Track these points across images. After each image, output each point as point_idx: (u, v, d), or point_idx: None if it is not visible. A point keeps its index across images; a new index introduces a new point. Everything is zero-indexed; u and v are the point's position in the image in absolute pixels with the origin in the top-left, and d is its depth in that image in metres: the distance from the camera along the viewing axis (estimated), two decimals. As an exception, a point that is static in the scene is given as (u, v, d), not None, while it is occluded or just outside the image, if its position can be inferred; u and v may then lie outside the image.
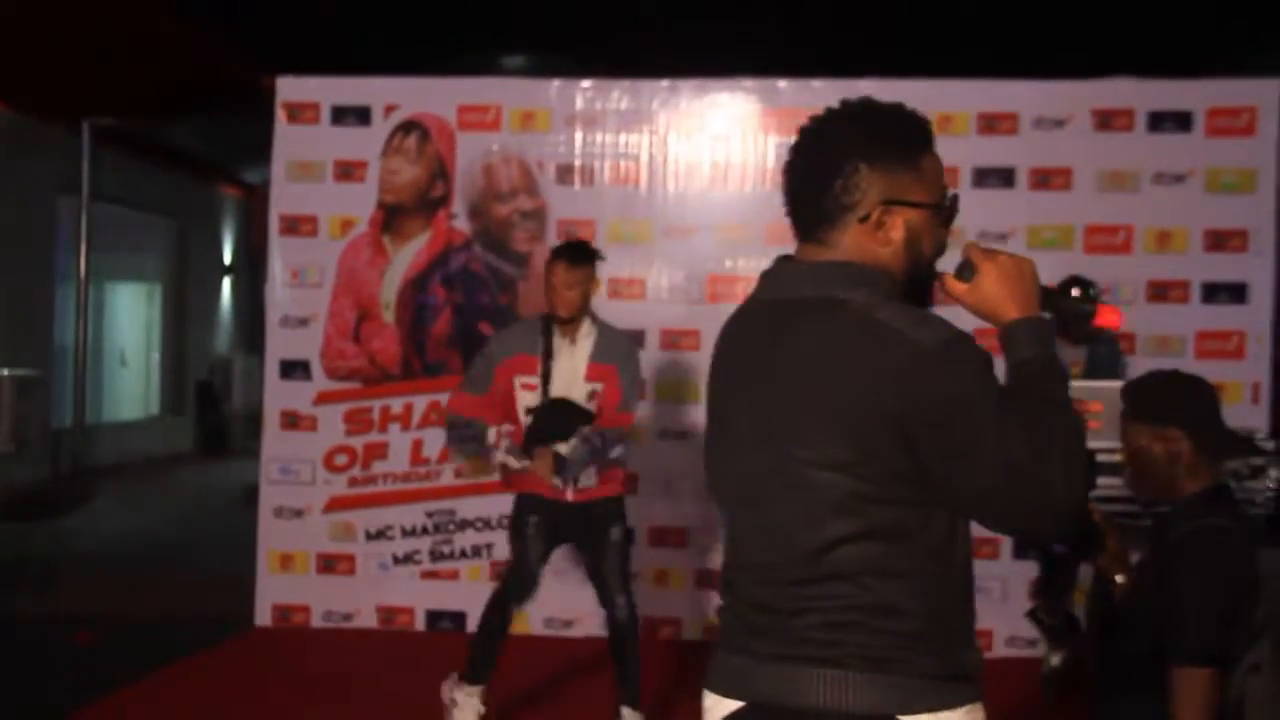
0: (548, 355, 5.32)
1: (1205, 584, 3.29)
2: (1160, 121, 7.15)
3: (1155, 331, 7.09)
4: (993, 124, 7.23)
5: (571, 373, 5.33)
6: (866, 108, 2.23)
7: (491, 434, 5.48)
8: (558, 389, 5.32)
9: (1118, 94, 7.18)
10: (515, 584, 5.44)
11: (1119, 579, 3.41)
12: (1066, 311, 2.08)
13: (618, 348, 5.43)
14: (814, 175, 2.21)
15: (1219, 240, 7.11)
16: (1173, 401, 3.52)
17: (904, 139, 2.21)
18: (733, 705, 2.20)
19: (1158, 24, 8.85)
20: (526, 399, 5.34)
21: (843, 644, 2.08)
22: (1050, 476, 2.03)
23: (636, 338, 7.25)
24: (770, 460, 2.15)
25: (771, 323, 2.21)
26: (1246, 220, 7.10)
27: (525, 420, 5.37)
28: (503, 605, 5.44)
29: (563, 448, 5.32)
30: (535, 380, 5.32)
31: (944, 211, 2.25)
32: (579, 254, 5.34)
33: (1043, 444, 2.05)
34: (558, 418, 5.32)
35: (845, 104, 2.24)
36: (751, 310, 2.29)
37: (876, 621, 2.08)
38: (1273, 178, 7.08)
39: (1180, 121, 7.13)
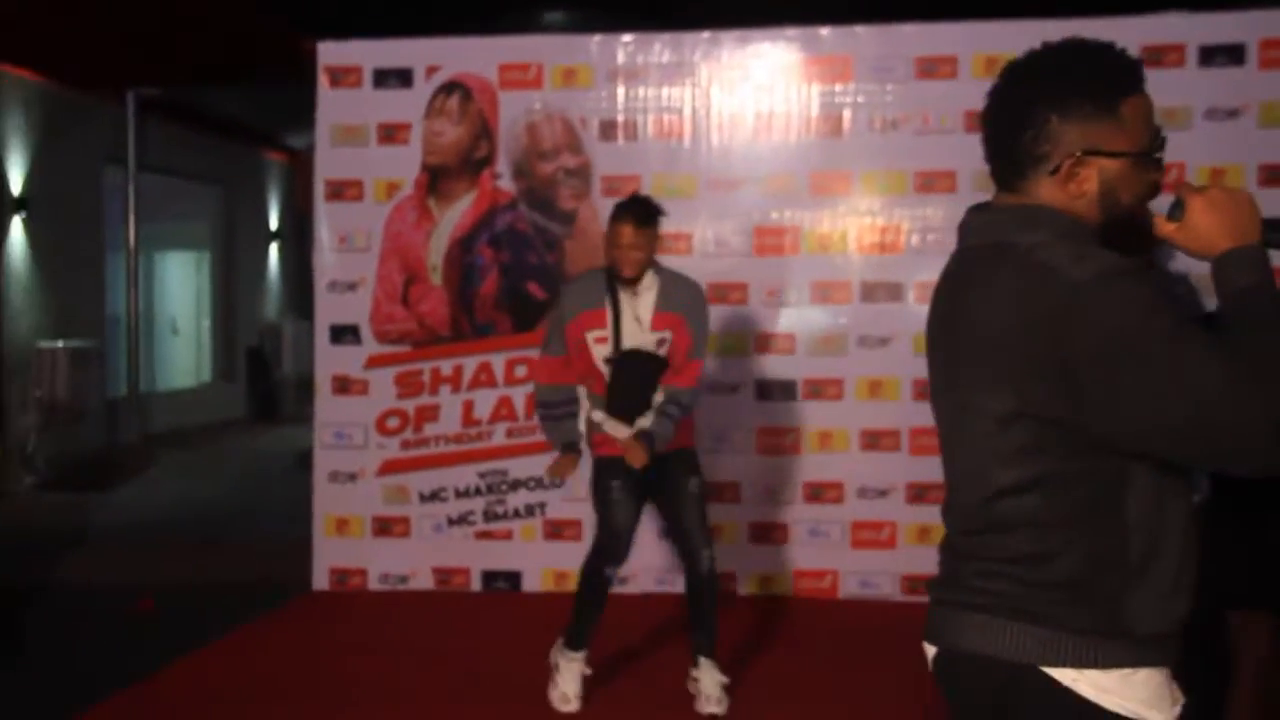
0: (615, 307, 5.28)
1: (1267, 528, 3.26)
2: (1211, 56, 7.01)
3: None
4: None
5: (638, 323, 5.29)
6: (1064, 52, 2.17)
7: (582, 419, 5.44)
8: (627, 341, 5.29)
9: (1169, 29, 7.04)
10: (606, 550, 5.40)
11: None
12: None
13: (684, 294, 5.39)
14: (1006, 126, 2.18)
15: (1275, 175, 6.97)
16: None
17: (1100, 86, 2.13)
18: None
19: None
20: (599, 351, 5.31)
21: (992, 592, 2.09)
22: (1251, 404, 1.89)
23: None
24: (952, 409, 2.19)
25: (956, 271, 2.23)
26: (1302, 154, 6.97)
27: (604, 370, 5.34)
28: (597, 572, 5.41)
29: (644, 421, 5.32)
30: (605, 333, 5.28)
31: (1149, 158, 2.15)
32: (646, 214, 5.27)
33: (1246, 371, 1.91)
34: (634, 374, 5.30)
35: (1044, 48, 2.20)
36: (951, 260, 2.29)
37: (1026, 571, 2.07)
38: (1329, 110, 6.94)
39: (1233, 55, 6.99)
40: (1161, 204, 2.15)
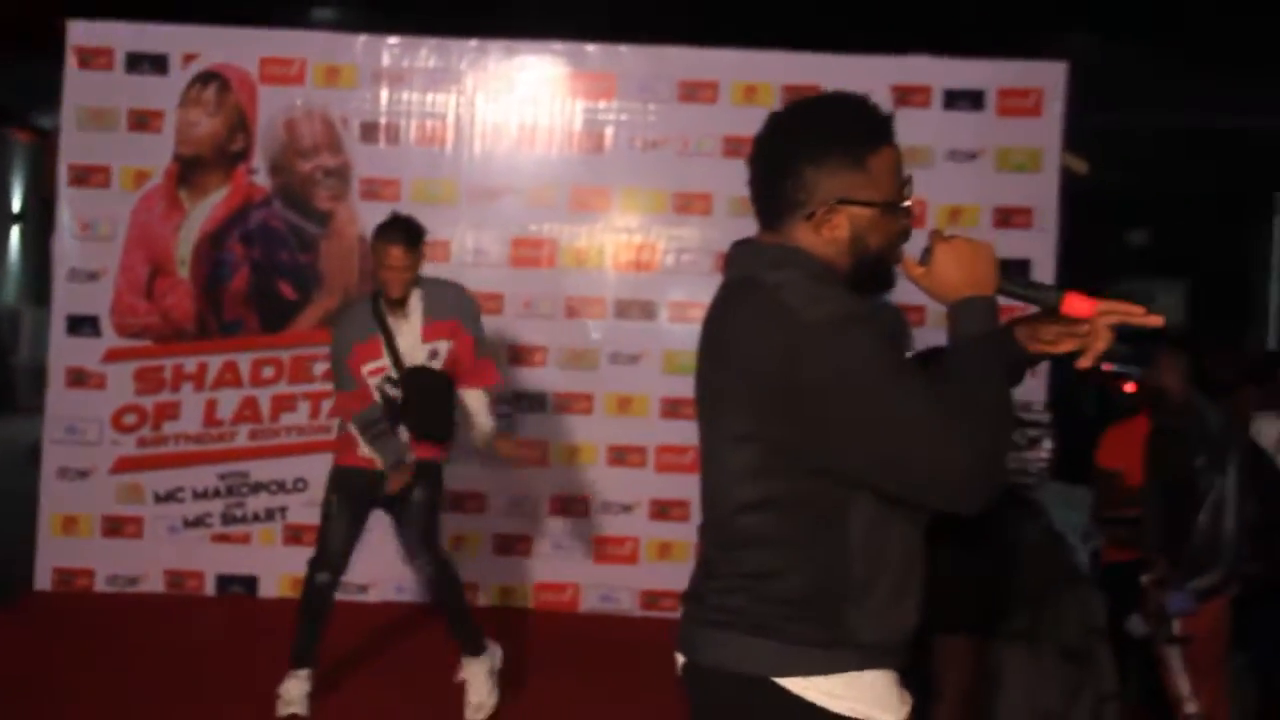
0: (386, 332, 5.26)
1: (961, 555, 3.43)
2: (955, 99, 7.35)
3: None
4: (797, 96, 7.32)
5: (412, 341, 5.29)
6: (818, 107, 2.32)
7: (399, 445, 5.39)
8: (409, 361, 5.28)
9: (916, 71, 7.35)
10: (317, 559, 5.38)
11: None
12: (1028, 297, 2.27)
13: (450, 299, 5.41)
14: (767, 172, 2.30)
15: (1006, 217, 7.35)
16: None
17: (850, 141, 2.26)
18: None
19: (948, 5, 9.12)
20: (374, 382, 5.29)
21: (730, 608, 2.23)
22: (949, 448, 2.07)
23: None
24: (706, 428, 2.33)
25: (717, 300, 2.37)
26: (1032, 198, 7.34)
27: (378, 398, 5.31)
28: (309, 580, 5.37)
29: (483, 424, 5.41)
30: (381, 364, 5.26)
31: (896, 207, 2.28)
32: (414, 235, 5.25)
33: (954, 417, 2.09)
34: (429, 389, 5.29)
35: (800, 102, 2.34)
36: (718, 289, 2.42)
37: (758, 586, 2.20)
38: (1057, 158, 7.35)
39: (973, 100, 7.34)
40: (917, 245, 2.31)
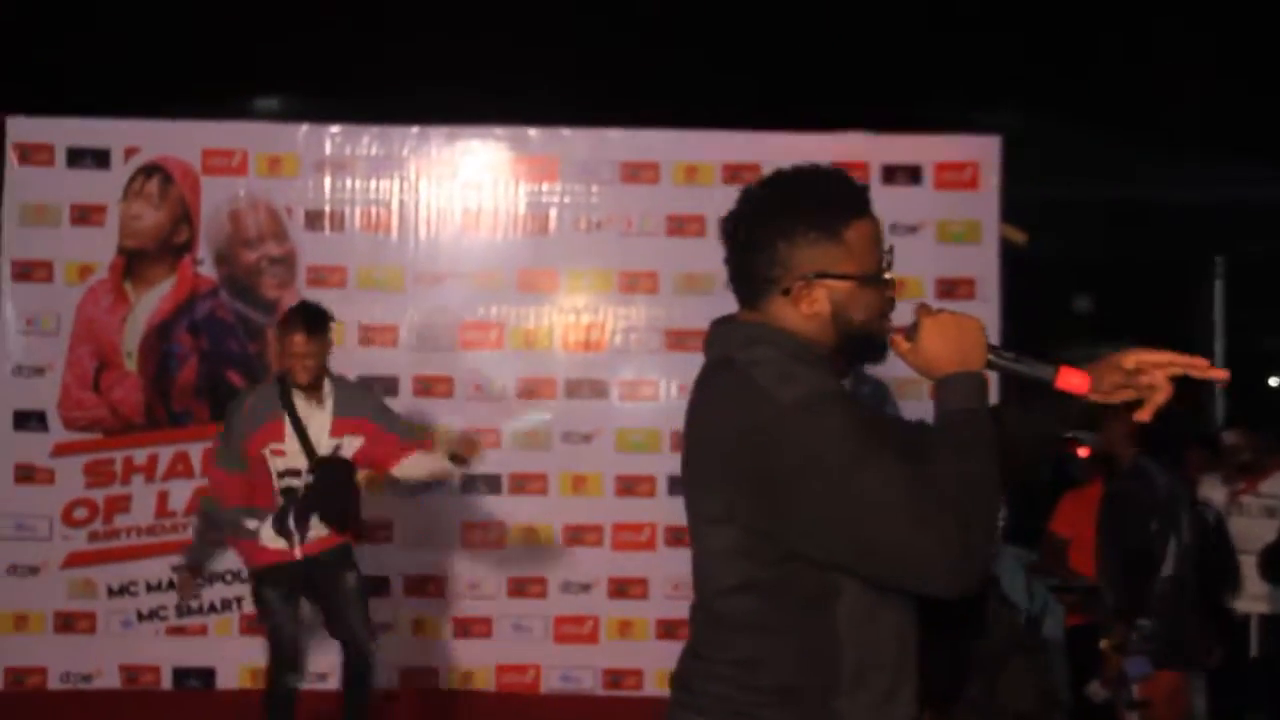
0: (294, 416, 5.27)
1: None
2: (893, 174, 7.48)
3: (897, 375, 7.38)
4: (737, 174, 7.42)
5: (319, 433, 5.31)
6: (791, 181, 2.27)
7: (252, 522, 5.36)
8: (319, 448, 5.30)
9: (852, 148, 7.47)
10: (284, 661, 5.36)
11: None
12: (1018, 371, 2.21)
13: (362, 399, 5.45)
14: (741, 250, 2.28)
15: (949, 288, 7.45)
16: None
17: (825, 214, 2.23)
18: None
19: (884, 82, 9.32)
20: (278, 464, 5.28)
21: (712, 694, 2.20)
22: (927, 531, 2.02)
23: (389, 384, 7.24)
24: (690, 512, 2.31)
25: (697, 381, 2.35)
26: (974, 269, 7.46)
27: (279, 484, 5.30)
28: (279, 684, 5.36)
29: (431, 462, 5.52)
30: (283, 446, 5.26)
31: (875, 279, 2.24)
32: (316, 322, 5.32)
33: (929, 498, 2.04)
34: (335, 479, 5.30)
35: (773, 176, 2.30)
36: (701, 370, 2.40)
37: (740, 674, 2.17)
38: (995, 229, 7.48)
39: (911, 175, 7.48)
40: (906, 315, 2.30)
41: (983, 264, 7.48)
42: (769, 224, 2.23)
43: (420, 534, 7.29)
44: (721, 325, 2.35)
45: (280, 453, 5.26)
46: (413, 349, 7.38)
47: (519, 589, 7.36)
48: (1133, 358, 2.29)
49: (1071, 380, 2.22)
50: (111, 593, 7.27)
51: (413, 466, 5.51)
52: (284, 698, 5.32)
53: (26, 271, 7.33)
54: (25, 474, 7.28)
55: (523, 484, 7.41)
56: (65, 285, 7.33)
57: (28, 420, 7.29)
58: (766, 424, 2.09)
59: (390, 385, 7.29)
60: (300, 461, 5.28)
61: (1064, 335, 21.19)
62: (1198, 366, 2.28)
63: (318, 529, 5.30)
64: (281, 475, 5.28)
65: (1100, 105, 11.50)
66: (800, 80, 9.42)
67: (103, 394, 7.33)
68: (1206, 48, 10.00)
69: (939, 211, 7.47)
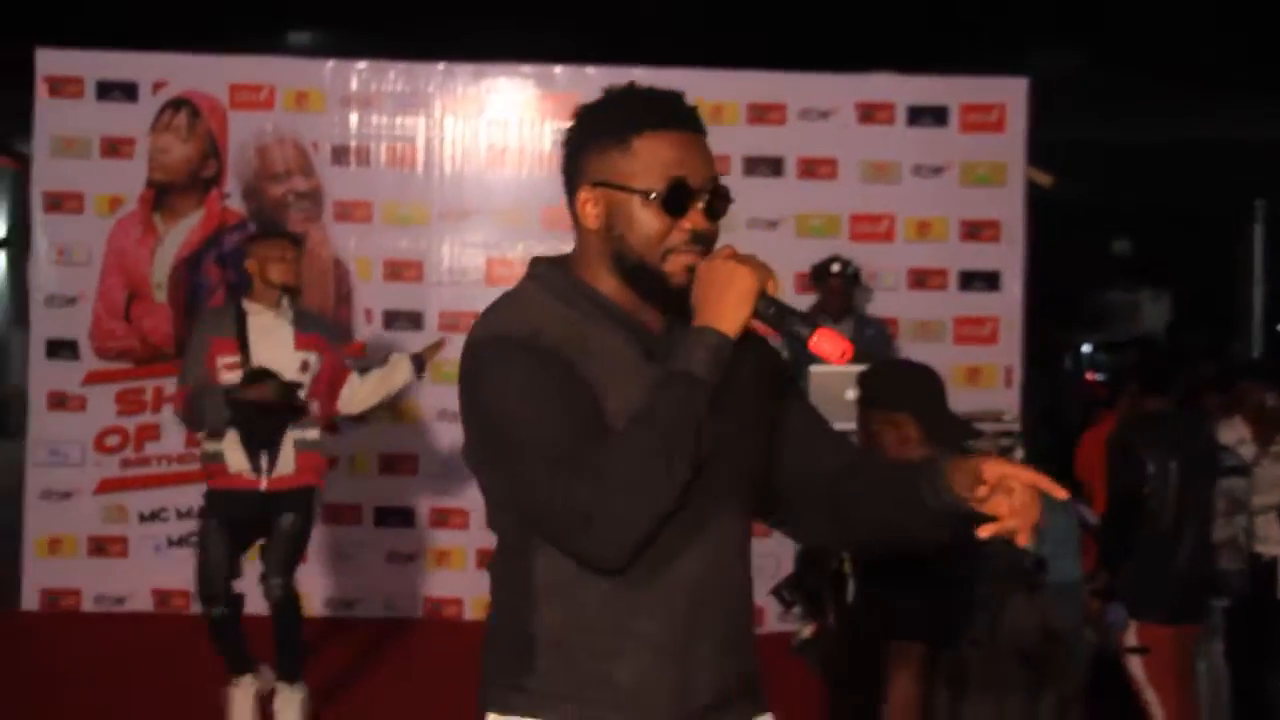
0: (243, 332, 5.30)
1: (913, 568, 3.50)
2: (919, 116, 7.46)
3: (916, 317, 7.43)
4: (762, 114, 7.44)
5: (284, 349, 5.32)
6: (608, 92, 2.11)
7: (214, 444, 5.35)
8: (263, 361, 5.28)
9: (879, 88, 7.46)
10: (201, 589, 5.39)
11: None
12: (776, 323, 2.01)
13: (314, 317, 5.63)
14: (561, 165, 2.15)
15: (974, 230, 7.45)
16: (901, 390, 3.77)
17: (619, 117, 2.06)
18: None
19: (915, 21, 9.25)
20: (229, 378, 5.27)
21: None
22: (569, 488, 1.91)
23: (414, 319, 7.35)
24: None
25: None
26: (999, 211, 7.45)
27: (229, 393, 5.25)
28: (205, 614, 5.40)
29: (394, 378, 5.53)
30: (235, 359, 5.27)
31: (656, 197, 2.02)
32: (295, 236, 5.62)
33: (585, 454, 1.92)
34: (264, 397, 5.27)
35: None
36: None
37: (490, 616, 2.15)
38: (1021, 171, 7.46)
39: (937, 116, 7.45)
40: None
41: (1008, 207, 7.46)
42: (575, 133, 2.12)
43: (445, 466, 7.39)
44: (531, 260, 2.24)
45: (234, 367, 5.26)
46: (439, 284, 7.45)
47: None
48: (994, 470, 1.95)
49: (825, 346, 2.01)
50: (143, 518, 7.44)
51: (368, 388, 5.53)
52: (217, 624, 5.38)
53: (57, 203, 7.45)
54: (58, 401, 7.43)
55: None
56: (96, 216, 7.44)
57: (60, 349, 7.44)
58: (462, 360, 2.05)
59: (415, 320, 7.40)
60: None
61: (1103, 279, 21.11)
62: (1056, 491, 1.96)
63: (287, 464, 5.31)
64: (236, 386, 5.26)
65: (1139, 46, 11.36)
66: (829, 22, 9.36)
67: (133, 324, 7.45)
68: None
69: (964, 153, 7.45)
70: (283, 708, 5.43)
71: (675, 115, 2.06)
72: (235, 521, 5.36)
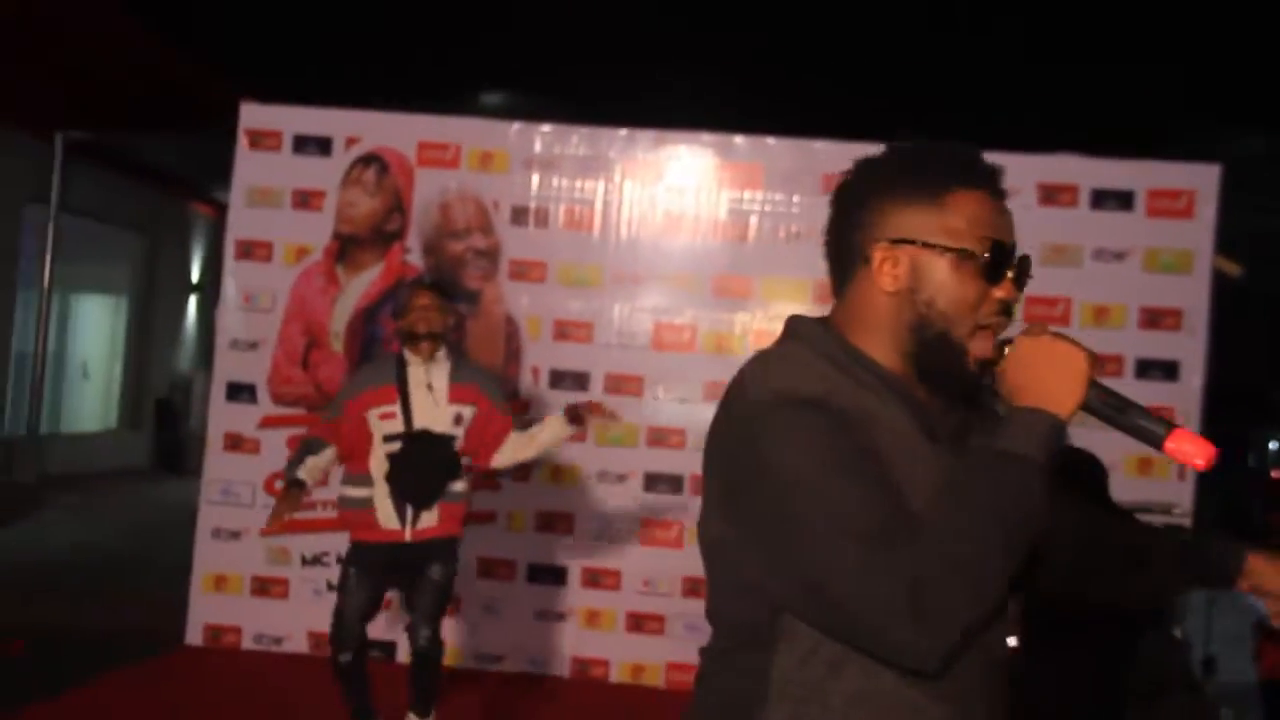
0: (404, 384, 5.38)
1: (1062, 652, 3.40)
2: (1103, 199, 7.30)
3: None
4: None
5: (438, 401, 5.39)
6: (903, 147, 1.92)
7: (329, 453, 5.43)
8: (419, 420, 5.37)
9: (1064, 170, 7.32)
10: (333, 635, 5.46)
11: None
12: (1119, 422, 1.78)
13: (473, 369, 5.64)
14: (835, 220, 1.95)
15: (1154, 318, 7.24)
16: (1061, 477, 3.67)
17: (928, 172, 1.86)
18: None
19: (1105, 102, 9.08)
20: (384, 428, 5.37)
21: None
22: (890, 581, 1.65)
23: (581, 379, 7.40)
24: None
25: None
26: (1182, 300, 7.24)
27: (385, 448, 5.37)
28: (333, 660, 5.46)
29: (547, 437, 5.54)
30: (393, 409, 5.37)
31: (978, 260, 1.83)
32: (440, 287, 5.66)
33: (898, 544, 1.66)
34: (426, 455, 5.36)
35: (890, 145, 1.94)
36: None
37: (698, 688, 1.96)
38: (1208, 259, 7.23)
39: (1122, 200, 7.28)
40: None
41: (1192, 295, 7.24)
42: (866, 185, 1.90)
43: (601, 527, 7.41)
44: (794, 317, 2.00)
45: (390, 415, 5.35)
46: (608, 346, 7.51)
47: (693, 589, 7.42)
48: None
49: (1186, 447, 1.78)
50: (305, 562, 7.60)
51: (519, 445, 5.55)
52: (344, 673, 5.45)
53: (248, 250, 7.71)
54: (234, 443, 7.65)
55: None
56: (283, 265, 7.69)
57: (240, 392, 7.67)
58: (736, 423, 1.80)
59: (582, 380, 7.46)
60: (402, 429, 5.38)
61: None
62: None
63: (430, 516, 5.40)
64: (387, 439, 5.36)
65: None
66: (1014, 98, 9.26)
67: (310, 371, 7.66)
68: None
69: (1149, 239, 7.26)
70: None
71: (986, 174, 1.88)
72: (376, 570, 5.45)
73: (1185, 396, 7.21)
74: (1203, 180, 7.26)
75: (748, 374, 1.85)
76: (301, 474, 5.33)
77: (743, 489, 1.79)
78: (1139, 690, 3.92)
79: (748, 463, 1.77)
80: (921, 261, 1.84)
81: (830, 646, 1.77)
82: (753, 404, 1.79)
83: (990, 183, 1.87)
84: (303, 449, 5.42)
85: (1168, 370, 7.23)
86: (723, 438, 1.83)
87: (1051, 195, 7.26)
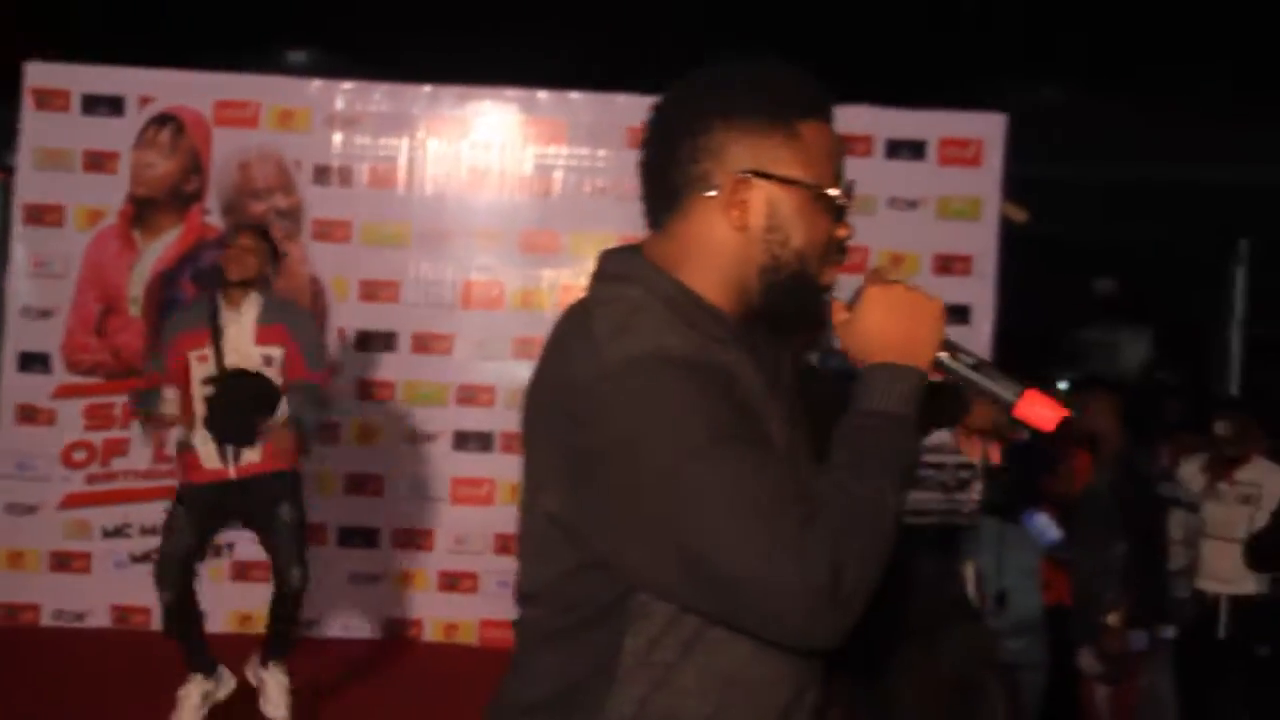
0: (215, 325, 5.34)
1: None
2: (897, 149, 7.50)
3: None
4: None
5: (240, 339, 5.35)
6: (737, 64, 1.74)
7: (169, 392, 5.40)
8: (231, 359, 5.35)
9: (858, 121, 7.49)
10: (156, 575, 5.46)
11: None
12: (974, 382, 1.71)
13: (282, 309, 5.57)
14: (662, 143, 1.75)
15: (946, 264, 7.48)
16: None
17: (779, 99, 1.71)
18: None
19: (893, 56, 9.32)
20: (201, 370, 5.34)
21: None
22: (788, 557, 1.51)
23: (388, 340, 7.35)
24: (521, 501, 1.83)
25: (551, 332, 1.82)
26: (972, 246, 7.49)
27: (202, 390, 5.35)
28: (160, 600, 5.45)
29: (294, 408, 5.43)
30: (206, 352, 5.32)
31: (829, 199, 1.72)
32: (261, 231, 5.63)
33: (798, 515, 1.54)
34: (238, 393, 5.32)
35: (714, 63, 1.78)
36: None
37: (505, 688, 1.86)
38: (996, 206, 7.50)
39: (915, 150, 7.49)
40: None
41: (981, 241, 7.49)
42: (703, 104, 1.71)
43: (411, 488, 7.38)
44: (610, 253, 1.82)
45: (205, 359, 5.32)
46: (414, 305, 7.46)
47: (504, 546, 7.44)
48: None
49: (1037, 410, 1.70)
50: (106, 534, 7.41)
51: (297, 389, 5.48)
52: (170, 612, 5.41)
53: (38, 215, 7.44)
54: (27, 414, 7.40)
55: (514, 443, 7.46)
56: (75, 230, 7.43)
57: (32, 361, 7.41)
58: (585, 387, 1.61)
59: (390, 341, 7.40)
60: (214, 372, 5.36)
61: (1084, 317, 21.14)
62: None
63: (253, 452, 5.36)
64: (204, 382, 5.32)
65: (1126, 80, 11.43)
66: (809, 54, 9.39)
67: (106, 338, 7.44)
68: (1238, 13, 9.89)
69: (940, 187, 7.49)
70: (269, 683, 5.52)
71: (829, 105, 1.76)
72: (203, 510, 5.41)
73: (977, 340, 7.46)
74: (990, 129, 7.50)
75: (596, 330, 1.66)
76: (166, 408, 5.34)
77: (598, 460, 1.61)
78: (917, 623, 4.08)
79: (608, 432, 1.60)
80: (776, 197, 1.70)
81: (684, 627, 1.65)
82: (610, 364, 1.61)
83: (831, 116, 1.78)
84: (140, 401, 5.38)
85: (960, 314, 7.47)
86: (564, 403, 1.65)
87: (848, 146, 7.42)
